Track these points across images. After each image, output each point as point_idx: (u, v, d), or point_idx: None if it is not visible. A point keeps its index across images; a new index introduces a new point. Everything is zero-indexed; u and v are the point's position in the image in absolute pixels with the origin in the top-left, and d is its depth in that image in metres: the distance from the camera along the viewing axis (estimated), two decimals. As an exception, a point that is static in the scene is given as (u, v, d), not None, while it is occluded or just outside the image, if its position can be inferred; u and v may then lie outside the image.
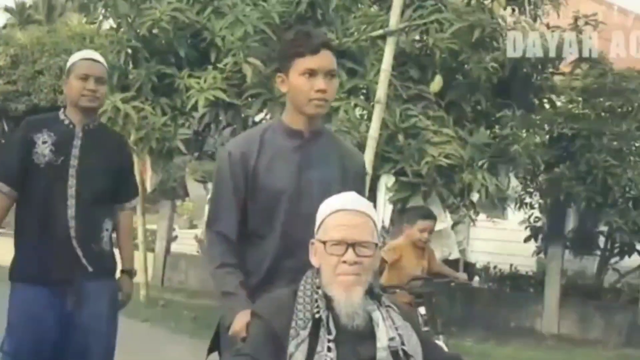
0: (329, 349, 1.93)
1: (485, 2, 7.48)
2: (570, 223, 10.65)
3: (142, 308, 8.27)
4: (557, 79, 8.77)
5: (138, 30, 7.18)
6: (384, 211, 6.80)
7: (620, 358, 7.08)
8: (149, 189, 8.19)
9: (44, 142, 3.08)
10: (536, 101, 8.23)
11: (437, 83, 6.94)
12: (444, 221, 6.89)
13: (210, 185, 9.91)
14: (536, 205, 9.71)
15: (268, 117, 7.56)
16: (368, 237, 2.03)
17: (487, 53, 6.93)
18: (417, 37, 7.14)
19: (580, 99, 9.16)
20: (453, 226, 7.64)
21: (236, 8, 6.92)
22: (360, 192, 2.39)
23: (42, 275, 3.02)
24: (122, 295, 3.31)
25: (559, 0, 7.71)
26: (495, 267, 10.84)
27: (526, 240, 9.93)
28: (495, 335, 8.50)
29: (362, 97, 7.02)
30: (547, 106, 8.80)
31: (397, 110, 6.73)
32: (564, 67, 8.33)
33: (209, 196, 11.75)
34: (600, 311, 9.38)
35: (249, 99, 7.22)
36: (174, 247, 12.26)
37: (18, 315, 3.03)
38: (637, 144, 8.56)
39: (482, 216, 9.21)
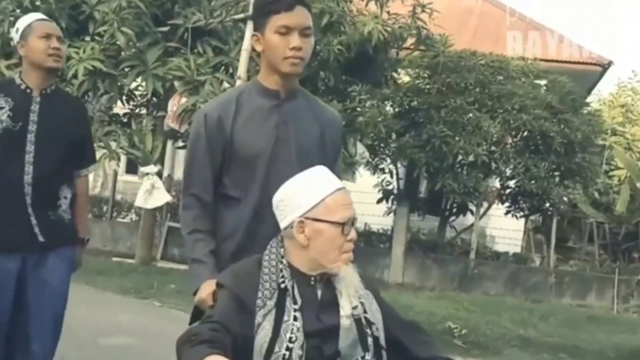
0: (295, 318, 2.02)
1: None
2: (423, 187, 12.51)
3: None
4: (404, 56, 10.38)
5: (21, 1, 8.08)
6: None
7: (438, 297, 8.80)
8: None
9: (1, 108, 3.08)
10: (382, 78, 9.76)
11: (292, 61, 8.30)
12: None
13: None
14: (387, 170, 11.37)
15: (143, 83, 8.70)
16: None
17: (334, 37, 8.34)
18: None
19: (425, 75, 10.85)
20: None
21: (112, -13, 7.96)
22: (338, 154, 2.51)
23: None
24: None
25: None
26: (352, 225, 12.46)
27: (378, 201, 11.61)
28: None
29: (226, 72, 8.26)
30: (398, 81, 10.40)
31: (256, 84, 8.03)
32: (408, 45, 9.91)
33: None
34: (438, 263, 11.28)
35: (125, 70, 8.32)
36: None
37: None
38: (469, 117, 10.27)
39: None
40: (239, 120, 2.36)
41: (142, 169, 7.80)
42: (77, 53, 8.05)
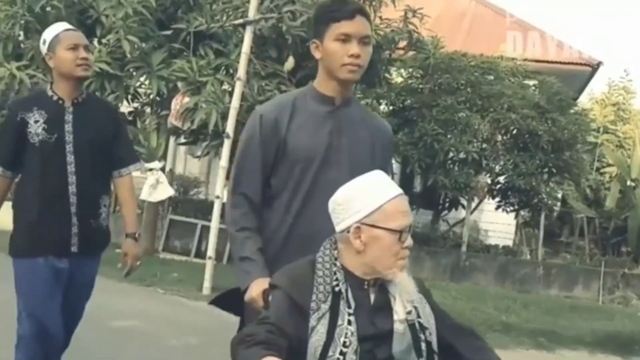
0: (350, 322, 2.02)
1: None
2: (417, 182, 13.02)
3: None
4: (397, 57, 10.86)
5: (32, 7, 8.58)
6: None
7: (429, 286, 9.22)
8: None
9: (36, 121, 3.18)
10: (376, 78, 10.24)
11: (289, 63, 8.81)
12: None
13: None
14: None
15: (147, 82, 9.19)
16: None
17: (328, 40, 8.80)
18: (275, 22, 8.93)
19: (418, 75, 11.34)
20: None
21: (118, -7, 8.48)
22: (388, 162, 2.56)
23: (47, 247, 3.22)
24: (130, 258, 3.49)
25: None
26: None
27: (374, 196, 12.09)
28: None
29: (226, 73, 8.75)
30: (390, 82, 10.89)
31: (255, 85, 8.54)
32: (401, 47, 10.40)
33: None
34: (431, 255, 11.78)
35: (131, 71, 8.82)
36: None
37: (29, 284, 3.25)
38: (460, 115, 10.76)
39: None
40: (294, 123, 2.41)
41: (147, 165, 8.31)
42: (86, 55, 8.54)
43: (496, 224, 13.27)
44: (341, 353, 1.98)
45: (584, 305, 9.57)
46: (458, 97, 10.94)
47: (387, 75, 10.45)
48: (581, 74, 14.18)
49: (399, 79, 11.38)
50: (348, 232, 2.10)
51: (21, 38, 9.02)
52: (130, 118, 9.89)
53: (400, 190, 2.14)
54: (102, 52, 8.54)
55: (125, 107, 9.91)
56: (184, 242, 11.19)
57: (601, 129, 16.51)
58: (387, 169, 2.40)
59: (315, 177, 2.38)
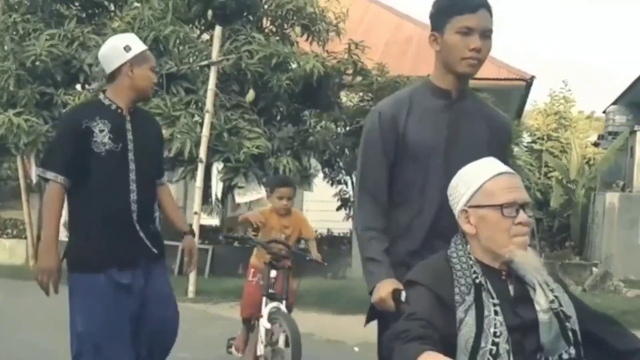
0: (496, 313, 2.03)
1: (285, 31, 11.02)
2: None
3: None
4: (347, 82, 12.39)
5: (23, 62, 10.03)
6: (216, 187, 10.07)
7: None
8: (34, 181, 11.11)
9: (101, 131, 3.18)
10: (328, 103, 11.74)
11: (250, 95, 10.33)
12: (260, 192, 10.19)
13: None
14: (342, 181, 13.33)
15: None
16: (529, 199, 2.14)
17: (283, 74, 10.32)
18: (236, 61, 10.44)
19: (369, 98, 12.87)
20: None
21: (98, 46, 9.94)
22: (505, 153, 2.56)
23: (110, 260, 3.17)
24: (189, 254, 3.65)
25: (339, 29, 11.35)
26: (316, 231, 14.38)
27: (338, 209, 13.53)
28: (318, 281, 11.17)
29: (196, 107, 10.22)
30: (341, 105, 12.43)
31: (222, 116, 10.03)
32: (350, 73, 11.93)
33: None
34: (391, 258, 13.15)
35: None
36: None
37: (94, 302, 3.15)
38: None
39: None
40: (412, 118, 2.43)
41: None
42: (72, 100, 10.03)
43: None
44: (493, 343, 2.00)
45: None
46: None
47: (338, 100, 11.99)
48: (517, 88, 15.74)
49: (350, 103, 12.90)
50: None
51: (12, 89, 10.38)
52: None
53: (504, 169, 2.16)
54: (87, 96, 9.99)
55: (109, 143, 11.32)
56: (167, 263, 12.43)
57: (545, 137, 18.07)
58: (504, 158, 2.39)
59: (440, 170, 2.39)
